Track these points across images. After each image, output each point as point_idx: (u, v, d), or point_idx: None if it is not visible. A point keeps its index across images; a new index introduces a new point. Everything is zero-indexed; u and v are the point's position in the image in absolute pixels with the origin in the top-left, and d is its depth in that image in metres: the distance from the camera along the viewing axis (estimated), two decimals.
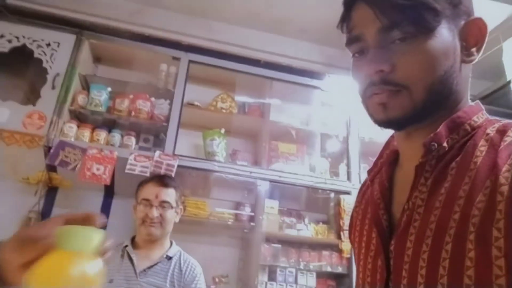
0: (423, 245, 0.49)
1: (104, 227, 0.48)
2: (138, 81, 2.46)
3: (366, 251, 0.61)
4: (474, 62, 0.57)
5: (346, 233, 2.08)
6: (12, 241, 0.46)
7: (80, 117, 2.25)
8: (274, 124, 2.54)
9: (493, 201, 0.44)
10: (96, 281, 0.43)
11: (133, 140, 2.23)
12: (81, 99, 2.21)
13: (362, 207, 0.68)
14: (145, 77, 2.50)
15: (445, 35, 0.53)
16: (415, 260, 0.49)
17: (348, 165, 2.48)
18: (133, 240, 1.71)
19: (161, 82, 2.40)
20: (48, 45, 2.19)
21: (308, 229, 2.42)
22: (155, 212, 1.62)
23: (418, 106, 0.53)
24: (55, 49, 2.19)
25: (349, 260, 2.28)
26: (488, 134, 0.51)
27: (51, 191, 2.28)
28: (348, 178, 2.44)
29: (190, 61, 2.39)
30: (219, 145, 2.37)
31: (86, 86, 2.34)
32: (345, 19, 0.59)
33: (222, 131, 2.43)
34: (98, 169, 1.99)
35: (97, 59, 2.55)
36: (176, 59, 2.38)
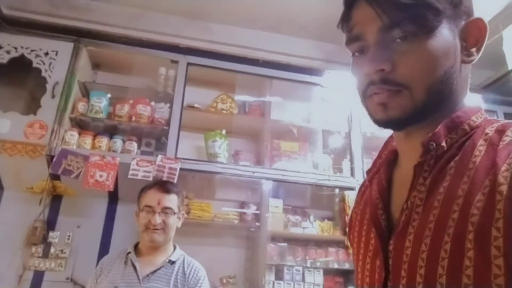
0: (422, 244, 0.49)
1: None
2: (138, 86, 2.46)
3: (364, 251, 0.61)
4: (473, 63, 0.57)
5: None
6: None
7: (81, 125, 2.26)
8: (275, 123, 2.53)
9: (492, 200, 0.43)
10: None
11: (135, 145, 2.24)
12: (81, 106, 2.22)
13: (361, 207, 0.68)
14: (144, 82, 2.51)
15: (446, 35, 0.53)
16: (414, 259, 0.49)
17: (351, 161, 2.47)
18: (136, 246, 1.71)
19: (161, 86, 2.40)
20: (46, 54, 2.19)
21: (313, 227, 2.42)
22: (157, 219, 1.62)
23: (418, 106, 0.53)
24: (53, 58, 2.19)
25: None
26: (487, 133, 0.51)
27: (56, 200, 2.29)
28: (352, 173, 2.43)
29: (189, 64, 2.39)
30: (221, 146, 2.37)
31: (86, 93, 2.35)
32: (346, 18, 0.59)
33: (224, 132, 2.43)
34: (101, 176, 2.00)
35: (96, 65, 2.55)
36: (175, 62, 2.38)
